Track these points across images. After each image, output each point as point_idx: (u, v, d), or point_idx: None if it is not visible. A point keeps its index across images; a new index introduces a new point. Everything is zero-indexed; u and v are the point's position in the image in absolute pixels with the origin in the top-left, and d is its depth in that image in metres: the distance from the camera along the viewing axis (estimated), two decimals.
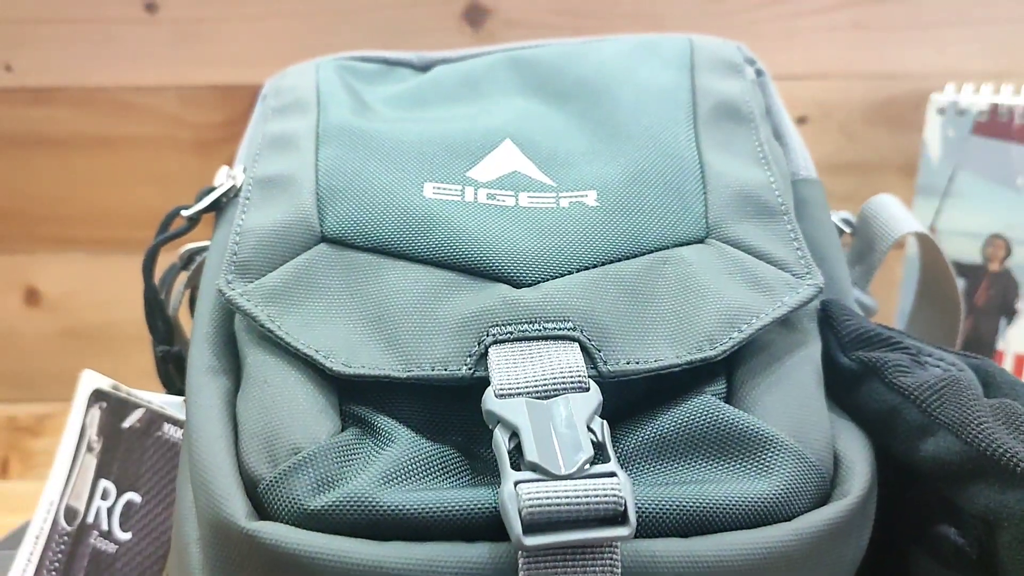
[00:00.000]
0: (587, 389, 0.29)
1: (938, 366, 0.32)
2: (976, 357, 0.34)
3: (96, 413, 0.44)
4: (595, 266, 0.32)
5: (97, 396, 0.44)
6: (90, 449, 0.43)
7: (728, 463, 0.29)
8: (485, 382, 0.29)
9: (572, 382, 0.29)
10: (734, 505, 0.27)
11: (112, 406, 0.43)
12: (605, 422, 0.28)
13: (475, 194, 0.34)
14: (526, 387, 0.29)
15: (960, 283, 0.60)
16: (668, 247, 0.33)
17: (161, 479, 0.43)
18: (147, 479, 0.43)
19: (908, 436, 0.30)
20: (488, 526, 0.27)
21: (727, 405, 0.30)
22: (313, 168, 0.36)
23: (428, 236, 0.33)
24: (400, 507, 0.27)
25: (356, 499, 0.27)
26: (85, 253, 0.75)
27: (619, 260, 0.32)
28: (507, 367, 0.29)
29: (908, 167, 0.68)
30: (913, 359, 0.32)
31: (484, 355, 0.30)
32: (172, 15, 0.69)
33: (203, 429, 0.30)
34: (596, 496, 0.25)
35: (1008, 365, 0.60)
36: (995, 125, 0.58)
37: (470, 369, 0.30)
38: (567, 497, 0.25)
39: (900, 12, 0.68)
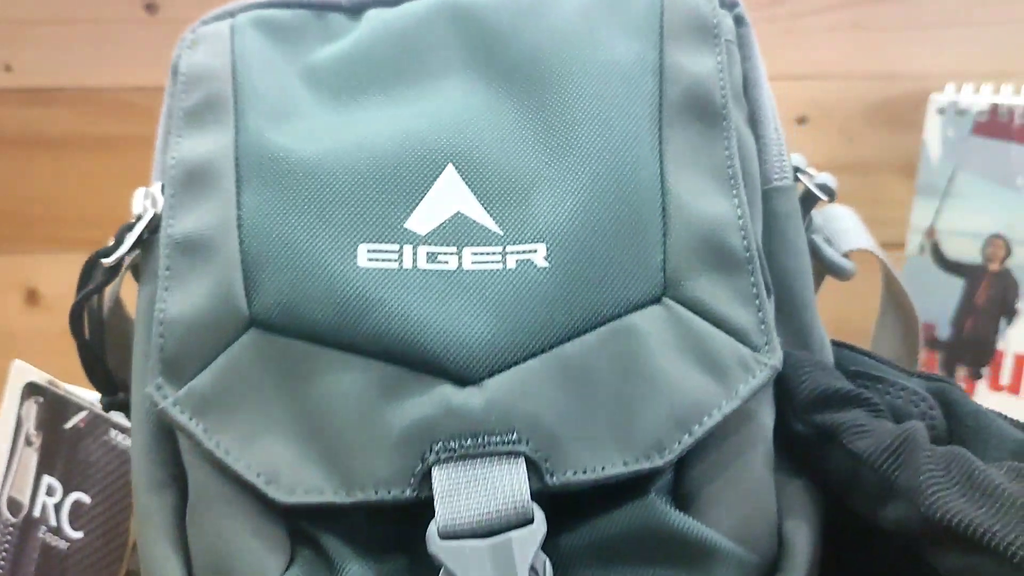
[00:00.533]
0: (531, 520, 0.28)
1: (899, 398, 0.32)
2: (940, 379, 0.34)
3: (32, 407, 0.43)
4: (544, 350, 0.30)
5: (32, 389, 0.43)
6: (29, 443, 0.43)
7: (668, 570, 0.29)
8: (430, 501, 0.28)
9: (516, 514, 0.28)
10: None
11: (49, 402, 0.43)
12: (547, 560, 0.28)
13: (414, 255, 0.31)
14: (469, 524, 0.28)
15: (960, 283, 0.60)
16: (621, 314, 0.30)
17: (111, 483, 0.43)
18: (96, 481, 0.43)
19: (869, 499, 0.30)
20: None
21: (670, 510, 0.29)
22: (235, 225, 0.32)
23: (364, 323, 0.30)
24: None
25: None
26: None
27: (569, 339, 0.30)
28: (451, 495, 0.28)
29: (908, 167, 0.68)
30: (871, 412, 0.31)
31: (428, 473, 0.28)
32: (172, 15, 0.69)
33: (156, 568, 0.30)
34: None
35: (1008, 365, 0.60)
36: (995, 125, 0.58)
37: (414, 491, 0.28)
38: None
39: (900, 12, 0.68)
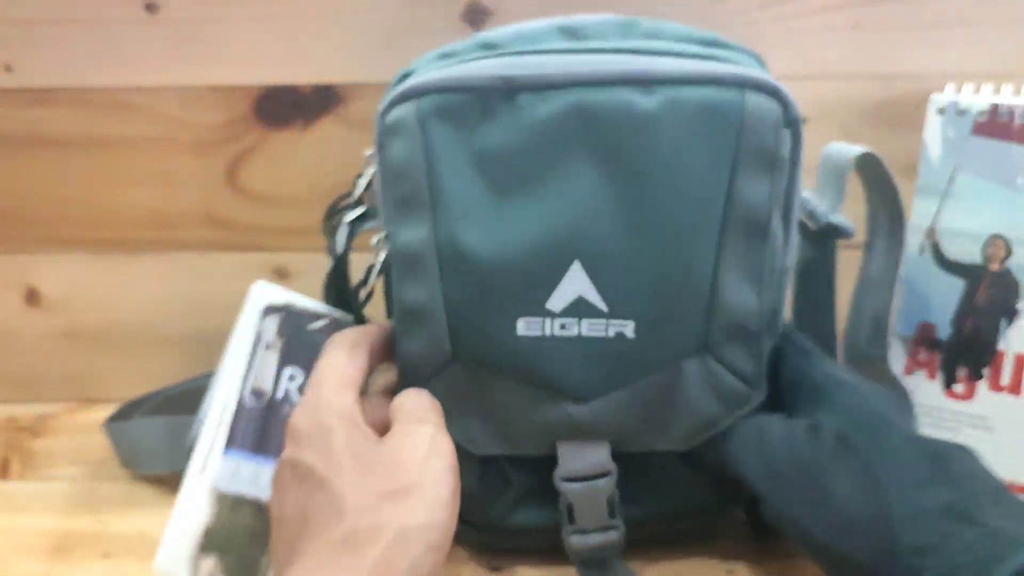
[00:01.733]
0: (609, 473, 0.52)
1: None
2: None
3: (272, 321, 0.54)
4: (627, 385, 0.51)
5: (271, 309, 0.54)
6: (269, 347, 0.54)
7: (680, 488, 0.55)
8: (555, 458, 0.53)
9: (604, 469, 0.52)
10: (669, 511, 0.56)
11: (289, 316, 0.54)
12: (616, 492, 0.53)
13: (552, 326, 0.49)
14: (577, 473, 0.52)
15: (960, 283, 0.60)
16: (676, 362, 0.50)
17: None
18: None
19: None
20: (555, 532, 0.54)
21: (686, 458, 0.54)
22: (441, 302, 0.50)
23: (523, 366, 0.50)
24: (519, 522, 0.56)
25: (495, 521, 0.56)
26: (85, 253, 0.75)
27: (644, 377, 0.50)
28: (567, 457, 0.52)
29: (908, 167, 0.68)
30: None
31: (554, 445, 0.52)
32: (172, 16, 0.69)
33: None
34: (608, 539, 0.53)
35: (1008, 365, 0.60)
36: (995, 125, 0.58)
37: (548, 453, 0.53)
38: (594, 544, 0.53)
39: (901, 12, 0.68)
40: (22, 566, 0.56)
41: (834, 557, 0.46)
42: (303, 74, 0.70)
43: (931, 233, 0.61)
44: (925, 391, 0.62)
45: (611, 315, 0.49)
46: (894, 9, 0.68)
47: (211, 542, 0.51)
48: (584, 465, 0.52)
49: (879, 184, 0.58)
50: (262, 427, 0.53)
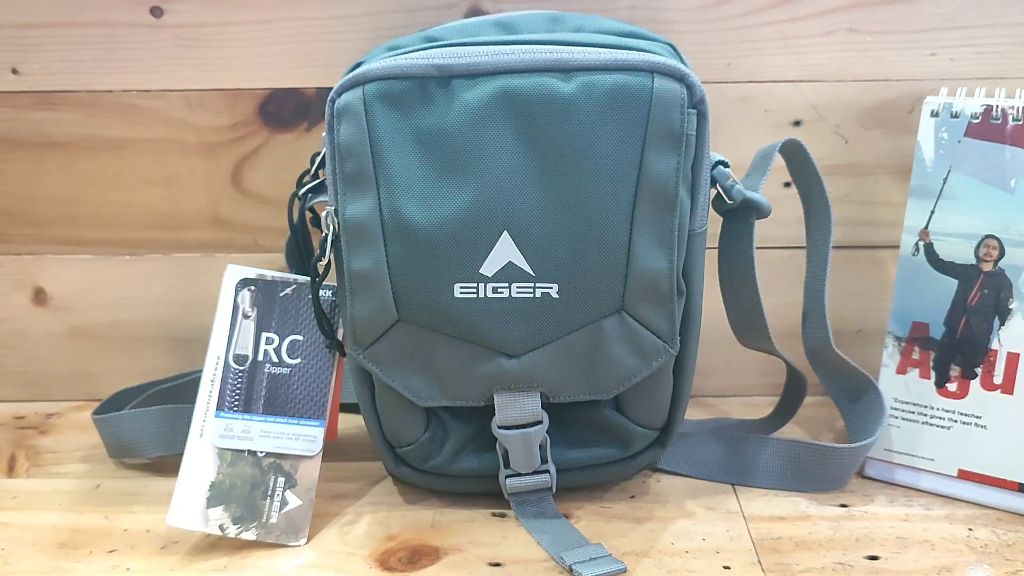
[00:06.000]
0: (541, 422, 0.58)
1: None
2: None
3: (247, 293, 0.60)
4: (554, 341, 0.56)
5: (245, 283, 0.60)
6: (246, 316, 0.60)
7: (608, 445, 0.61)
8: (492, 408, 0.58)
9: (534, 418, 0.58)
10: (594, 457, 0.61)
11: (261, 286, 0.61)
12: (548, 438, 0.59)
13: (485, 289, 0.55)
14: (512, 422, 0.58)
15: (954, 284, 0.61)
16: (598, 320, 0.56)
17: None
18: (306, 326, 0.61)
19: None
20: (494, 477, 0.60)
21: (611, 411, 0.60)
22: (386, 268, 0.55)
23: (460, 325, 0.55)
24: (460, 468, 0.60)
25: (439, 468, 0.61)
26: (92, 254, 0.75)
27: (567, 334, 0.56)
28: (504, 407, 0.58)
29: (902, 169, 0.69)
30: None
31: (491, 396, 0.57)
32: (177, 20, 0.69)
33: (366, 413, 0.61)
34: (540, 482, 0.60)
35: (1001, 364, 0.60)
36: (988, 127, 0.59)
37: (486, 403, 0.58)
38: (526, 484, 0.60)
39: (894, 16, 0.68)
40: (29, 562, 0.57)
41: None
42: (307, 77, 0.71)
43: (925, 234, 0.61)
44: (918, 390, 0.63)
45: (537, 279, 0.55)
46: (888, 13, 0.68)
47: (217, 494, 0.58)
48: (518, 414, 0.57)
49: (802, 168, 0.65)
50: (247, 388, 0.60)
